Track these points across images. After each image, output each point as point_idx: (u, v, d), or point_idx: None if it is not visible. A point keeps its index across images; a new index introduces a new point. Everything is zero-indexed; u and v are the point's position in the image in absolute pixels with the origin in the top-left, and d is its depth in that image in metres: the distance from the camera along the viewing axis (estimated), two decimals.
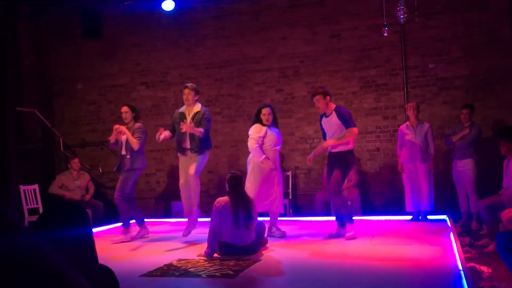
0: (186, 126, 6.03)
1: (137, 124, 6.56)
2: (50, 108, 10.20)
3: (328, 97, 5.97)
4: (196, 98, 6.31)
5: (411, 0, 6.54)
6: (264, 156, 6.06)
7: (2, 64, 7.72)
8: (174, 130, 6.32)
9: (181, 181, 6.31)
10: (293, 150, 8.92)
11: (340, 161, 5.93)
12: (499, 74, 7.86)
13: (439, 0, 6.45)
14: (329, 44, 8.69)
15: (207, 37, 9.35)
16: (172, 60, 9.59)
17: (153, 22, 9.60)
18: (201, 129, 6.07)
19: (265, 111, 6.18)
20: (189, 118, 6.21)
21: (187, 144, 6.20)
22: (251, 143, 6.13)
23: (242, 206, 5.18)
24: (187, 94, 6.25)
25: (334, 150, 5.99)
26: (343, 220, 5.97)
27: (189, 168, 6.19)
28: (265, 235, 5.66)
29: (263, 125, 6.16)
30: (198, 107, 6.27)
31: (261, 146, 6.09)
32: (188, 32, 9.45)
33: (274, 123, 6.32)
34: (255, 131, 6.17)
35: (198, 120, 6.16)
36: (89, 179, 8.52)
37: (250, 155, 6.27)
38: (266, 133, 6.14)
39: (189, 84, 6.41)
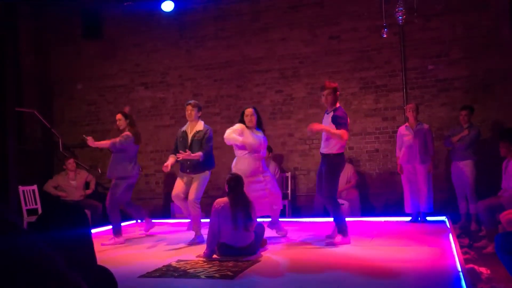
0: (183, 155, 5.94)
1: (124, 134, 6.59)
2: (49, 108, 10.21)
3: (337, 93, 5.66)
4: (199, 115, 6.25)
5: (410, 1, 6.55)
6: (241, 138, 5.80)
7: (2, 64, 7.71)
8: (177, 149, 6.22)
9: (174, 193, 6.21)
10: (292, 151, 8.93)
11: (327, 164, 5.58)
12: (498, 75, 7.86)
13: (439, 0, 6.44)
14: (328, 45, 8.70)
15: (207, 38, 9.36)
16: (171, 61, 9.60)
17: (153, 23, 9.61)
18: (200, 153, 5.96)
19: (248, 111, 6.00)
20: (190, 136, 6.16)
21: (188, 166, 6.12)
22: (228, 133, 5.85)
23: (241, 207, 5.18)
24: (190, 110, 6.20)
25: (322, 151, 5.69)
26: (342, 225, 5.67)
27: (190, 190, 6.11)
28: (264, 235, 5.66)
29: (247, 127, 5.98)
30: (200, 125, 6.20)
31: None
32: (188, 33, 9.46)
33: (259, 127, 6.11)
34: (236, 126, 5.98)
35: (199, 139, 6.10)
36: (87, 175, 8.50)
37: (234, 162, 6.08)
38: (243, 134, 5.90)
39: (191, 101, 6.38)
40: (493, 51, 7.88)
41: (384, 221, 7.34)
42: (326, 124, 5.60)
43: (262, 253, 5.29)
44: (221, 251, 5.21)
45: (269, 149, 8.42)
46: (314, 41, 8.79)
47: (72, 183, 8.22)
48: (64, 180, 8.23)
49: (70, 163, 8.31)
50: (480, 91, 7.95)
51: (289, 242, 6.02)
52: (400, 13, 5.93)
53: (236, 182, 5.31)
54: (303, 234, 6.55)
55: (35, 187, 8.06)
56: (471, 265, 4.49)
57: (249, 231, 5.16)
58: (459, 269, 4.17)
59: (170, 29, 9.54)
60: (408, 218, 7.23)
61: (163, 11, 8.82)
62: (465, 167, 6.95)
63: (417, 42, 8.26)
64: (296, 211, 8.73)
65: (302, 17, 8.83)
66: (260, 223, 5.52)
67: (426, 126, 7.19)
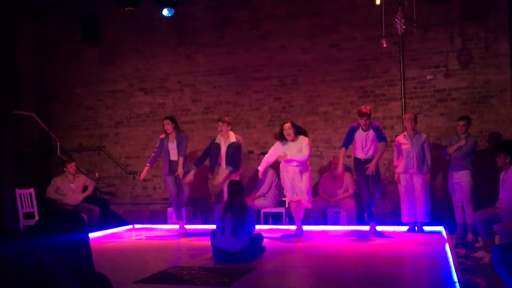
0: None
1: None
2: (48, 112, 10.19)
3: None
4: (229, 128, 7.41)
5: (410, 12, 6.58)
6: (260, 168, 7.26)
7: (1, 68, 7.72)
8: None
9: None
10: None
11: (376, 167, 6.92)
12: (496, 87, 7.89)
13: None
14: (328, 54, 8.72)
15: (207, 45, 9.37)
16: (171, 67, 9.61)
17: (153, 29, 9.63)
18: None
19: (285, 126, 6.88)
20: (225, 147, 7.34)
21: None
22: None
23: (232, 212, 5.20)
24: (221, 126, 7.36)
25: (367, 157, 6.92)
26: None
27: None
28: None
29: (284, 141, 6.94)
30: (232, 137, 7.36)
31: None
32: (188, 39, 9.48)
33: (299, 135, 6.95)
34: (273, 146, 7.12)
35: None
36: (86, 180, 8.45)
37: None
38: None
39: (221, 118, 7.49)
40: (491, 63, 7.92)
41: (381, 230, 7.32)
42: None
43: (259, 260, 5.27)
44: (215, 255, 5.23)
45: None
46: (313, 50, 8.81)
47: (71, 186, 8.16)
48: (63, 182, 8.17)
49: (72, 166, 8.24)
50: (477, 103, 7.98)
51: (286, 250, 6.01)
52: (399, 23, 5.96)
53: (231, 187, 5.42)
54: (299, 242, 6.54)
55: (32, 190, 8.02)
56: (467, 276, 4.48)
57: (238, 236, 5.14)
58: (456, 279, 4.17)
59: (169, 35, 9.56)
60: (405, 228, 7.23)
61: (163, 15, 8.79)
62: (462, 178, 6.95)
63: (416, 52, 8.29)
64: (293, 219, 8.70)
65: (301, 26, 8.85)
66: (259, 233, 5.53)
67: (424, 135, 7.20)
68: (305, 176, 6.93)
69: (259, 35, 9.08)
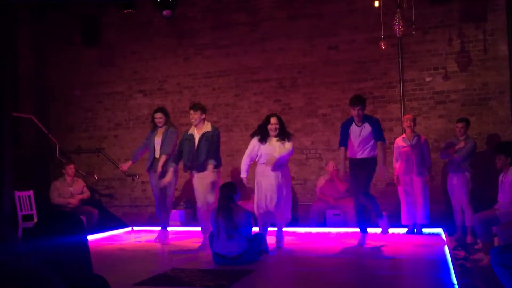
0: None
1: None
2: (47, 114, 10.19)
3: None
4: (203, 117, 6.34)
5: (408, 14, 6.60)
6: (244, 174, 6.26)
7: (0, 69, 7.72)
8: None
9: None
10: (289, 161, 8.90)
11: (371, 166, 6.16)
12: (495, 89, 7.91)
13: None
14: (327, 56, 8.73)
15: (205, 47, 9.38)
16: (169, 69, 9.62)
17: (152, 31, 9.64)
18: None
19: (272, 121, 6.15)
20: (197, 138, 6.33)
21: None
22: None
23: (223, 215, 5.17)
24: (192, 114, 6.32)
25: (362, 156, 6.15)
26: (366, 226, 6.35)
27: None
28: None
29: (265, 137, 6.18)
30: (208, 126, 6.35)
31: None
32: (187, 41, 9.49)
33: (281, 135, 6.19)
34: (251, 143, 6.31)
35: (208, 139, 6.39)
36: (84, 185, 8.42)
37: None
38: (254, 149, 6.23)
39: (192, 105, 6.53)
40: (489, 65, 7.94)
41: (380, 232, 7.32)
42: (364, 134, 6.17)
43: (258, 262, 5.26)
44: (215, 260, 5.21)
45: None
46: (312, 52, 8.82)
47: (69, 189, 8.14)
48: (62, 185, 8.14)
49: (71, 168, 8.19)
50: (476, 105, 8.00)
51: (286, 252, 6.01)
52: (398, 25, 5.97)
53: (223, 189, 5.37)
54: (299, 244, 6.53)
55: (31, 192, 8.00)
56: (466, 278, 4.48)
57: (233, 239, 5.11)
58: (455, 281, 4.17)
59: (168, 37, 9.57)
60: (404, 230, 7.23)
61: (162, 18, 8.79)
62: (461, 180, 6.95)
63: (415, 54, 8.30)
64: (292, 221, 8.69)
65: (300, 28, 8.86)
66: (259, 232, 5.51)
67: (423, 137, 7.21)
68: (287, 190, 6.19)
69: (258, 37, 9.08)
